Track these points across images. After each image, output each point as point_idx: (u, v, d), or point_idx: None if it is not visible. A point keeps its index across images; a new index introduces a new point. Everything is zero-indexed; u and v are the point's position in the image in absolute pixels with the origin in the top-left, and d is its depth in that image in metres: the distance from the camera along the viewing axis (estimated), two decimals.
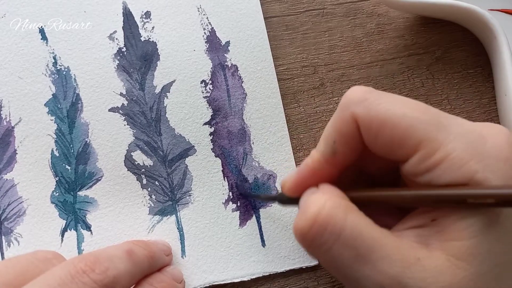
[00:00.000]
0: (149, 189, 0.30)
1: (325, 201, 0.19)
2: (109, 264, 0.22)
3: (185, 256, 0.29)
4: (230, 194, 0.30)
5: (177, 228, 0.29)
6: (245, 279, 0.29)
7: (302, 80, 0.33)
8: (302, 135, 0.32)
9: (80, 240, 0.29)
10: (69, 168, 0.30)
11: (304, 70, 0.33)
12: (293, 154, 0.31)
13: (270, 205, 0.30)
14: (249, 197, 0.30)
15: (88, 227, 0.29)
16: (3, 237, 0.29)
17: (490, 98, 0.33)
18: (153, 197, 0.30)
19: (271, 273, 0.29)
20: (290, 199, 0.23)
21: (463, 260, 0.18)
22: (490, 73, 0.33)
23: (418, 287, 0.17)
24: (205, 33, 0.32)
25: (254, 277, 0.29)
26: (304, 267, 0.29)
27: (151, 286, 0.25)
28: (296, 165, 0.31)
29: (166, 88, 0.31)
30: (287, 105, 0.32)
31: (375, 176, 0.25)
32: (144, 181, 0.30)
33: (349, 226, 0.19)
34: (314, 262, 0.29)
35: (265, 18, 0.32)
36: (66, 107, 0.30)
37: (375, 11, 0.34)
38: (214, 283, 0.29)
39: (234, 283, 0.29)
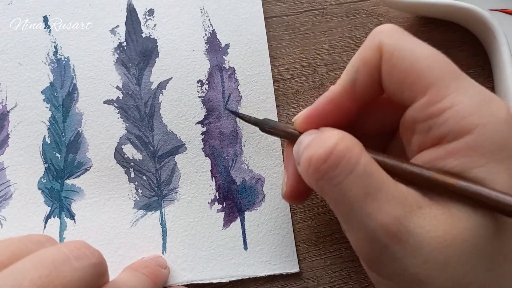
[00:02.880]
0: (136, 183, 0.30)
1: (344, 136, 0.20)
2: None
3: (165, 252, 0.29)
4: (217, 194, 0.30)
5: (161, 224, 0.29)
6: (224, 280, 0.28)
7: (302, 80, 0.33)
8: None
9: (62, 228, 0.29)
10: (59, 156, 0.30)
11: (304, 70, 0.33)
12: None
13: (256, 208, 0.30)
14: (234, 114, 0.30)
15: (72, 216, 0.29)
16: None
17: None
18: (140, 191, 0.30)
19: (251, 276, 0.29)
20: (272, 129, 0.26)
21: (463, 212, 0.18)
22: (490, 73, 0.33)
23: (418, 233, 0.18)
24: (206, 34, 0.32)
25: (233, 279, 0.28)
26: (285, 274, 0.29)
27: (135, 271, 0.25)
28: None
29: (162, 85, 0.31)
30: (287, 105, 0.32)
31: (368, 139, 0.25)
32: (132, 175, 0.30)
33: (362, 162, 0.19)
34: (295, 269, 0.29)
35: (265, 18, 0.33)
36: (62, 96, 0.31)
37: (375, 11, 0.34)
38: (192, 282, 0.28)
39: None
